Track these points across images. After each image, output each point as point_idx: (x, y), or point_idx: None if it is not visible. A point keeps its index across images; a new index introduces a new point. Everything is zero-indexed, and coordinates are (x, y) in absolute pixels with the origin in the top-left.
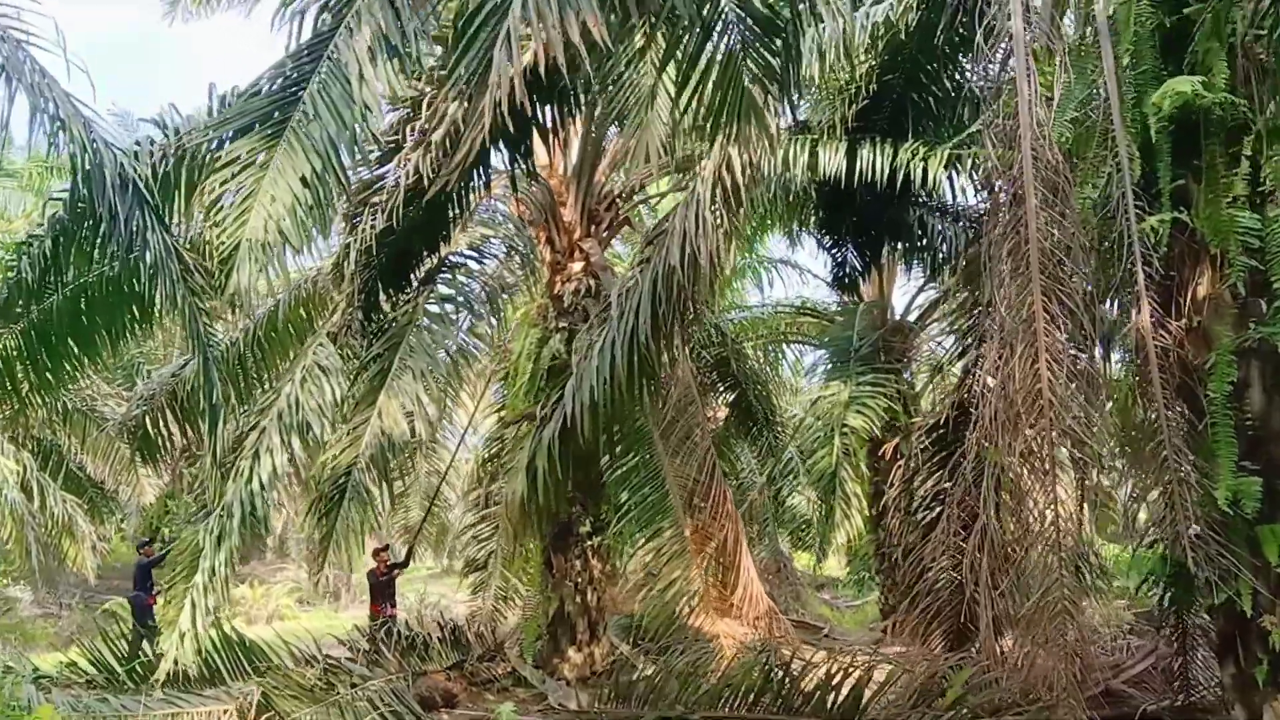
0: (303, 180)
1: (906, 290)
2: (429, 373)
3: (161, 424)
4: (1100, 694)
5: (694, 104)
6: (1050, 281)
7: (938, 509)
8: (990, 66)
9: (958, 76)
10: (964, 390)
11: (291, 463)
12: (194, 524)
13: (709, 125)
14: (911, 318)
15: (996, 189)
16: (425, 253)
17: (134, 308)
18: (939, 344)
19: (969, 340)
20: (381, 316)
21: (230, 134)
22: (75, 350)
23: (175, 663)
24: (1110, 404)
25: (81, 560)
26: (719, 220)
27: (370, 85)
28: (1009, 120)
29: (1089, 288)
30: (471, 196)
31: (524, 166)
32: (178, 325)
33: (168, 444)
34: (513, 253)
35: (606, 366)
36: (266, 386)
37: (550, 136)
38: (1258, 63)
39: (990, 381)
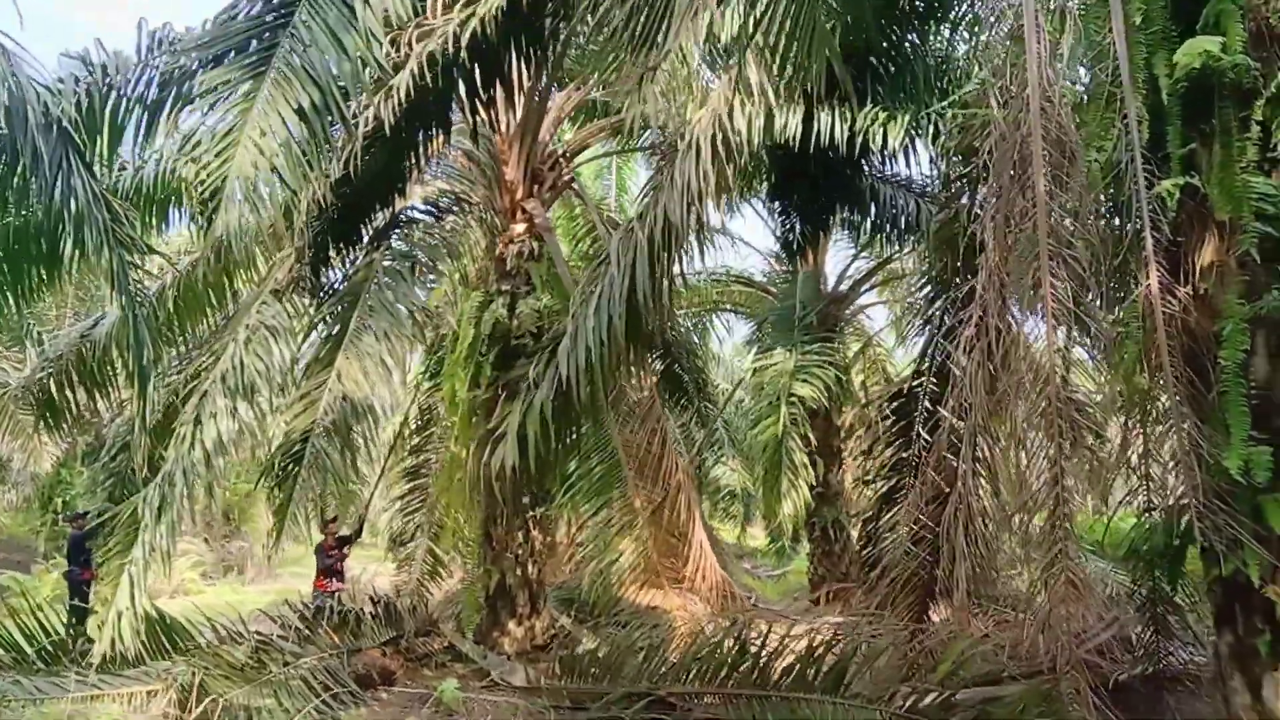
0: (299, 113)
1: (837, 261)
2: (392, 333)
3: (68, 389)
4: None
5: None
6: (1057, 245)
7: (895, 478)
8: (992, 23)
9: (917, 41)
10: (929, 359)
11: (240, 428)
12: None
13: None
14: (843, 287)
15: (990, 151)
16: (379, 206)
17: (42, 261)
18: (875, 312)
19: (936, 308)
20: (331, 273)
21: (201, 61)
22: None
23: (112, 644)
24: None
25: None
26: (717, 172)
27: (374, 9)
28: (1012, 79)
29: (1096, 253)
30: (430, 146)
31: (484, 117)
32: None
33: (73, 410)
34: (469, 208)
35: (604, 326)
36: (180, 349)
37: (510, 87)
38: (1268, 27)
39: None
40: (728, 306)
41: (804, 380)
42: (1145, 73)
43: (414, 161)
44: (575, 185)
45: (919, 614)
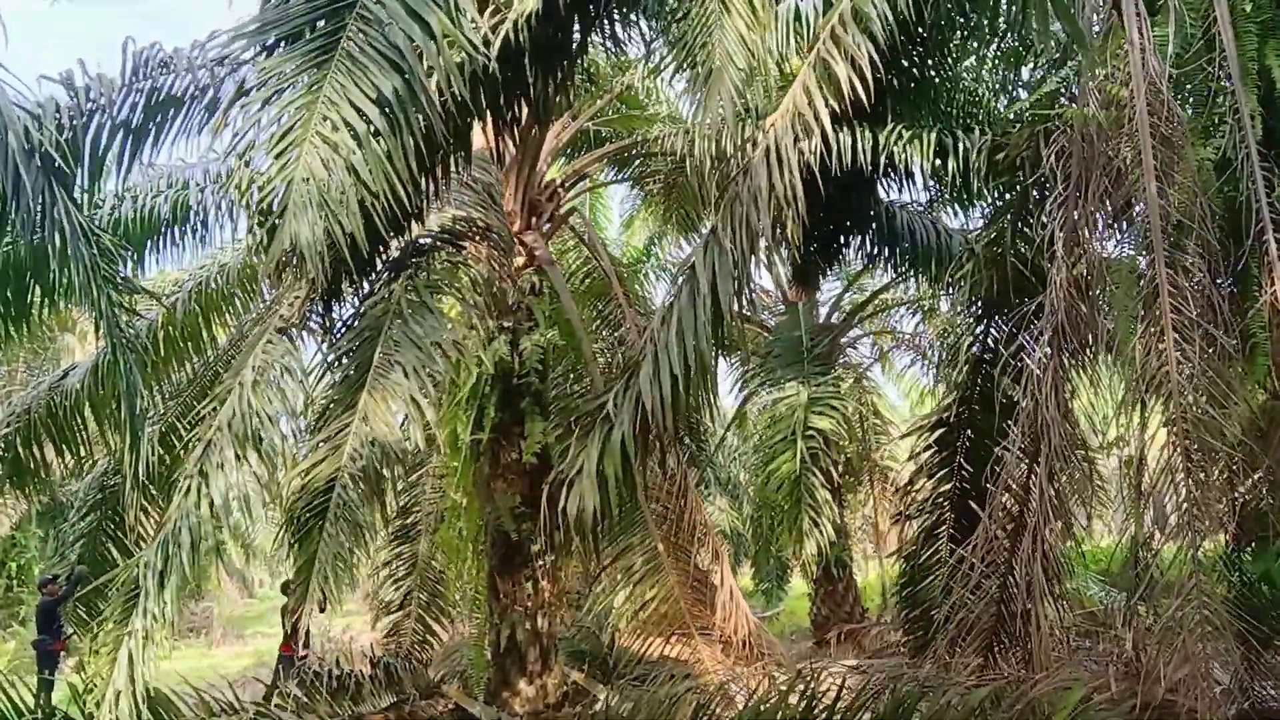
0: (377, 102)
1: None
2: (423, 369)
3: (34, 445)
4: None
5: None
6: (1172, 250)
7: (937, 513)
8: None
9: (940, 62)
10: (971, 388)
11: (259, 480)
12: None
13: None
14: (834, 319)
15: (1057, 157)
16: (395, 234)
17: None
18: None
19: (978, 333)
20: (342, 309)
21: (256, 48)
22: None
23: None
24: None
25: None
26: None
27: None
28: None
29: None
30: (451, 167)
31: (512, 138)
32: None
33: (41, 468)
34: (488, 236)
35: (689, 348)
36: (154, 394)
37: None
38: None
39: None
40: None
41: (820, 413)
42: (1257, 64)
43: (434, 184)
44: (572, 219)
45: (986, 661)
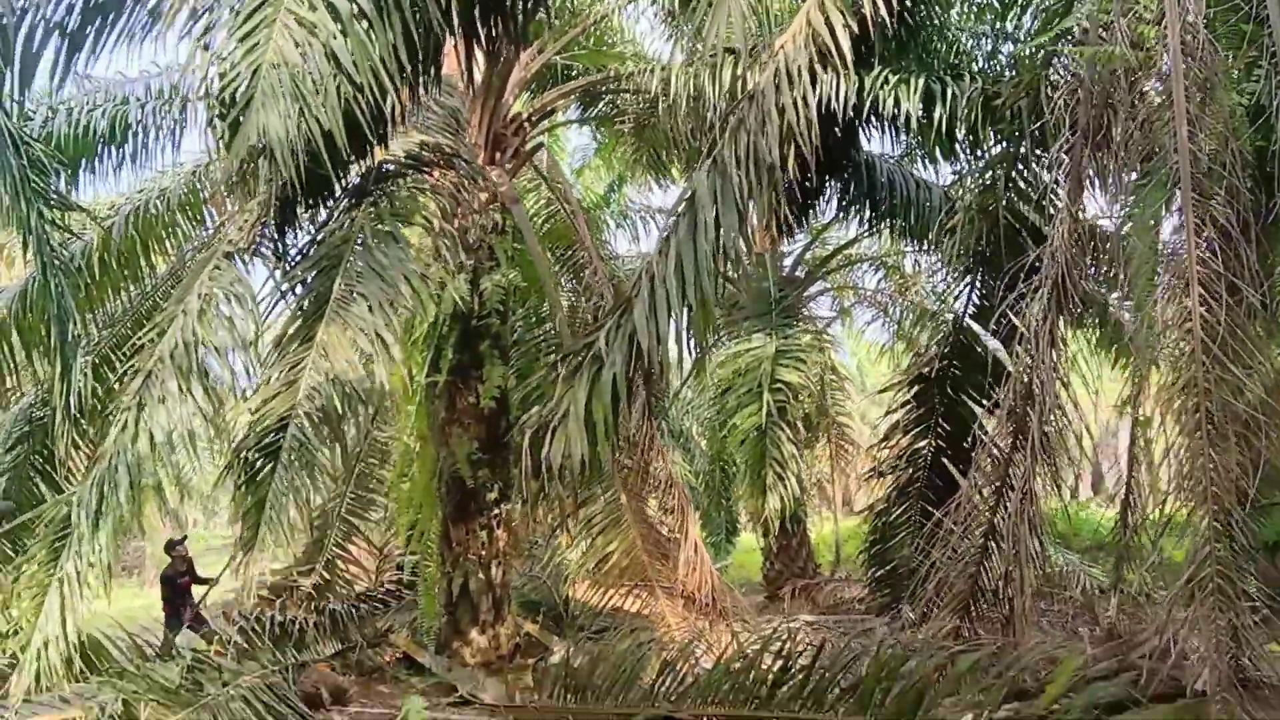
0: None
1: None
2: (388, 303)
3: None
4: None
5: None
6: (1202, 200)
7: (911, 470)
8: None
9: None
10: (949, 343)
11: (204, 416)
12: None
13: None
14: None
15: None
16: (353, 158)
17: None
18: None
19: (967, 284)
20: (296, 236)
21: None
22: None
23: (38, 675)
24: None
25: None
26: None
27: None
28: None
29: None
30: (419, 87)
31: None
32: None
33: None
34: (455, 164)
35: (691, 282)
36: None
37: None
38: None
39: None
40: None
41: (787, 365)
42: None
43: (401, 104)
44: (536, 156)
45: (958, 622)
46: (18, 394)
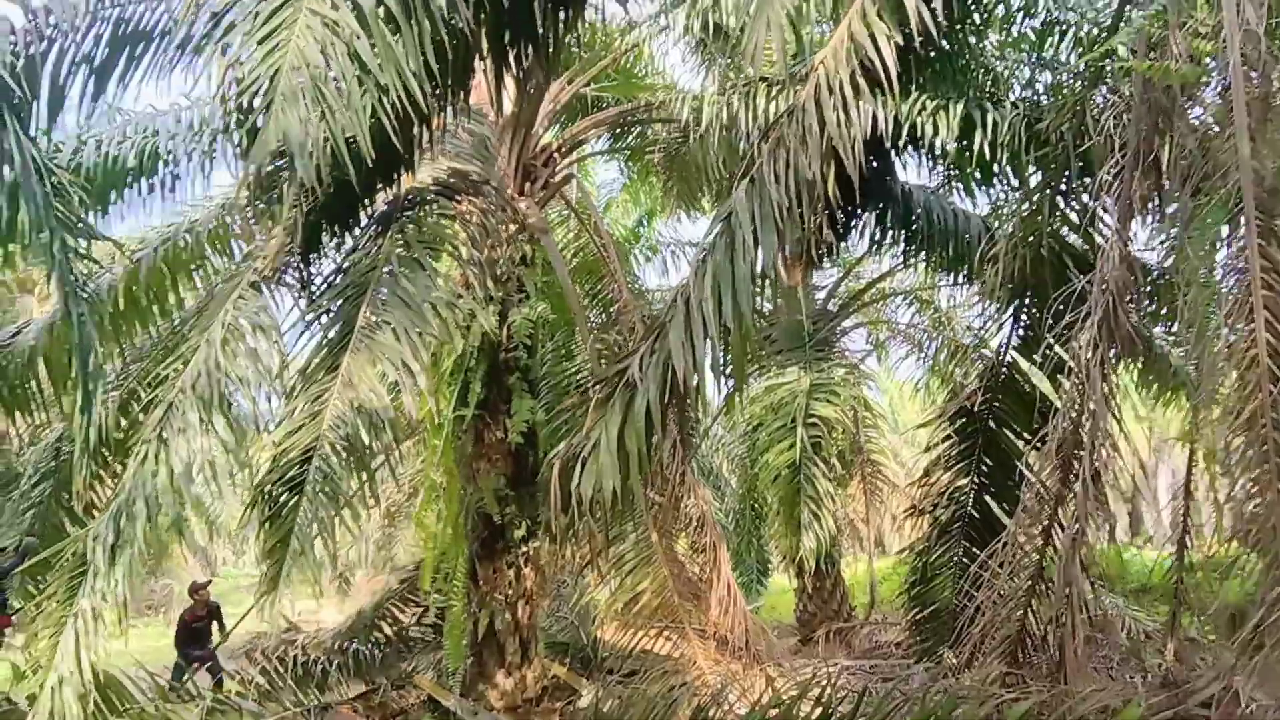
0: None
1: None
2: (414, 331)
3: None
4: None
5: None
6: (1266, 219)
7: (953, 508)
8: None
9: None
10: (991, 376)
11: (226, 449)
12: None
13: None
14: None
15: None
16: (380, 184)
17: None
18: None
19: (1010, 315)
20: (322, 263)
21: None
22: None
23: (51, 714)
24: None
25: None
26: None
27: None
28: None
29: None
30: (448, 113)
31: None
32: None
33: None
34: (484, 192)
35: (730, 299)
36: (113, 357)
37: (534, 52)
38: None
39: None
40: None
41: (822, 400)
42: None
43: (428, 130)
44: (565, 196)
45: (1006, 667)
46: (46, 428)
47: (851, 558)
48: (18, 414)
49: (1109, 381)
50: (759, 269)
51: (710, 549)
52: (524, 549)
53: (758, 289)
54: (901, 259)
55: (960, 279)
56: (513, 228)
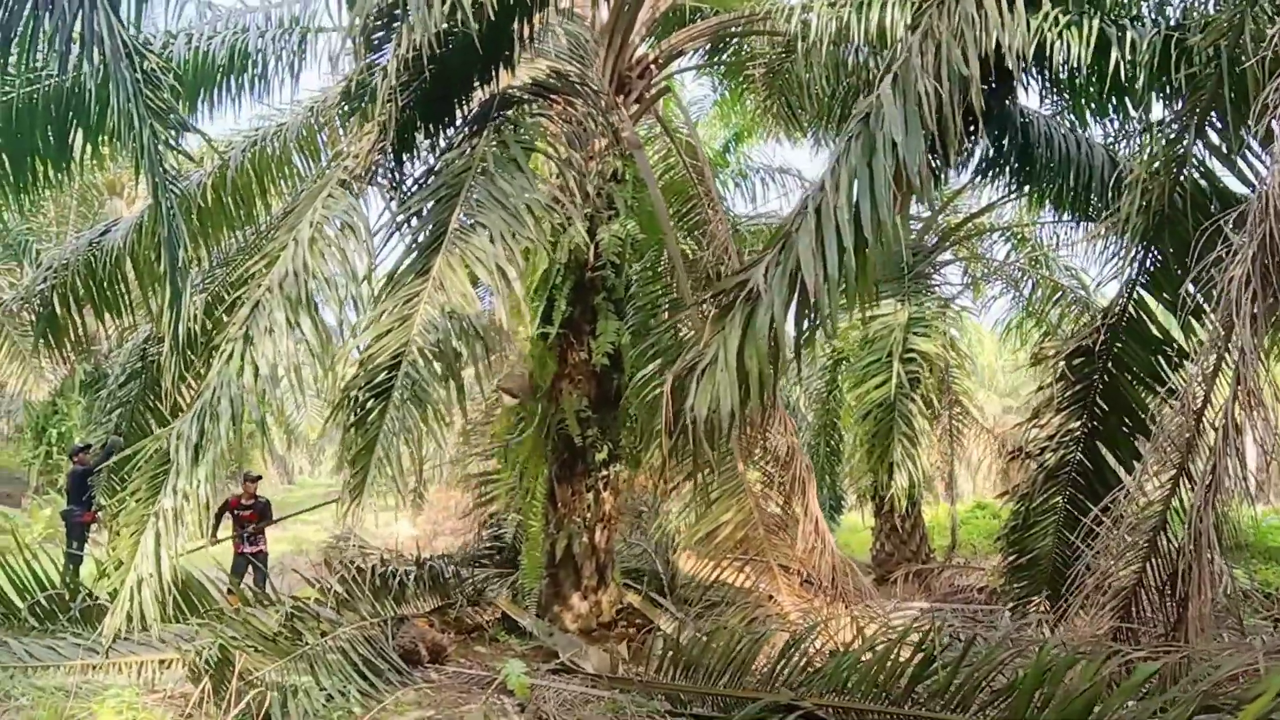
0: None
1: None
2: (509, 234)
3: (73, 303)
4: None
5: None
6: None
7: (1061, 452)
8: None
9: None
10: (1116, 313)
11: (311, 350)
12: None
13: None
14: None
15: None
16: (477, 82)
17: (50, 153)
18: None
19: (1140, 250)
20: (414, 164)
21: None
22: None
23: (130, 615)
24: None
25: None
26: None
27: None
28: None
29: None
30: (549, 9)
31: None
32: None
33: (78, 329)
34: (583, 94)
35: (868, 205)
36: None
37: None
38: None
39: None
40: None
41: (921, 334)
42: None
43: (527, 24)
44: (656, 115)
45: (1123, 620)
46: (133, 329)
47: (929, 500)
48: (107, 315)
49: (1259, 322)
50: (910, 170)
51: (798, 483)
52: (604, 473)
53: (901, 193)
54: (1013, 190)
55: (1076, 213)
56: (603, 142)
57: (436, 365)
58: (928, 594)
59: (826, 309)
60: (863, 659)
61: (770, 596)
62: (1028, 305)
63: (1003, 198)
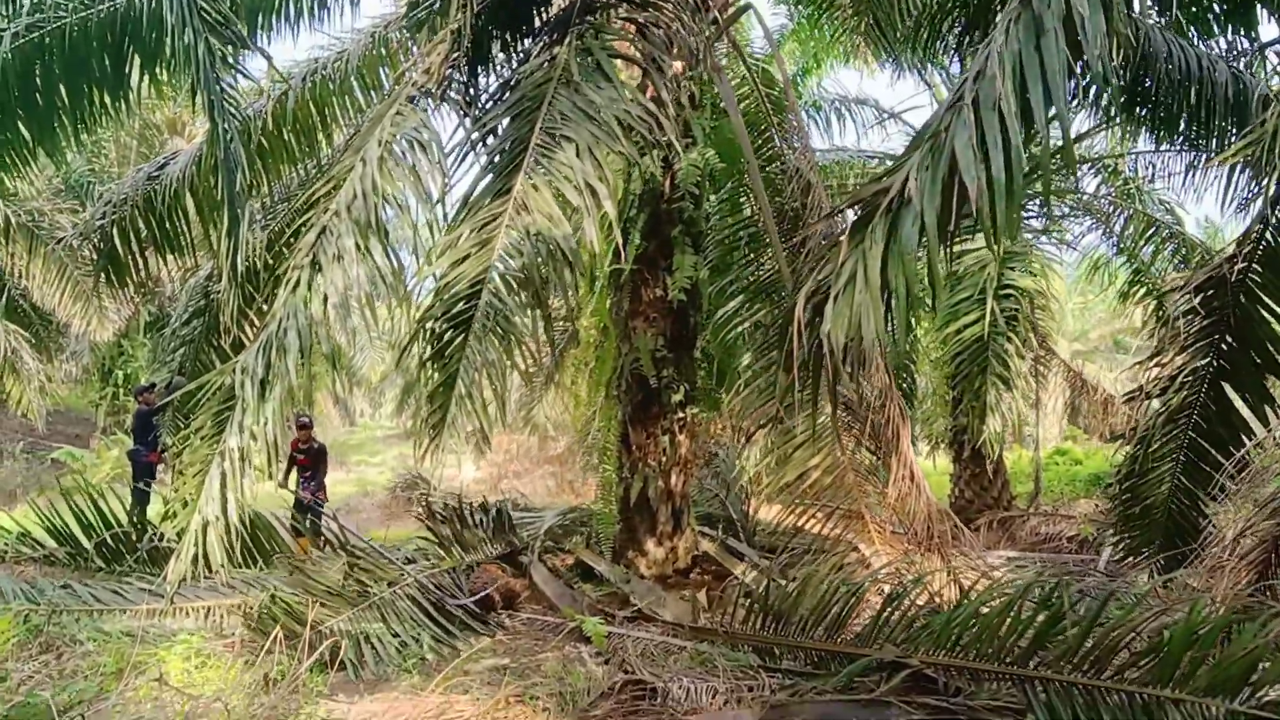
0: None
1: None
2: (598, 148)
3: (133, 239)
4: None
5: None
6: None
7: (1184, 393)
8: None
9: None
10: (1256, 242)
11: (383, 278)
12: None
13: None
14: None
15: None
16: None
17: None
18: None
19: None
20: (489, 78)
21: None
22: (23, 130)
23: (195, 560)
24: None
25: (27, 403)
26: None
27: None
28: None
29: None
30: None
31: None
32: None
33: (139, 266)
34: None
35: (1039, 90)
36: (260, 191)
37: None
38: None
39: None
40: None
41: (1018, 269)
42: None
43: None
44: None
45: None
46: (195, 271)
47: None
48: (168, 253)
49: None
50: (1090, 48)
51: (891, 425)
52: (680, 415)
53: (1076, 70)
54: (1117, 113)
55: (1198, 138)
56: (679, 65)
57: (521, 294)
58: (1012, 543)
59: (990, 217)
60: (979, 613)
61: (855, 547)
62: (1120, 242)
63: (1102, 123)
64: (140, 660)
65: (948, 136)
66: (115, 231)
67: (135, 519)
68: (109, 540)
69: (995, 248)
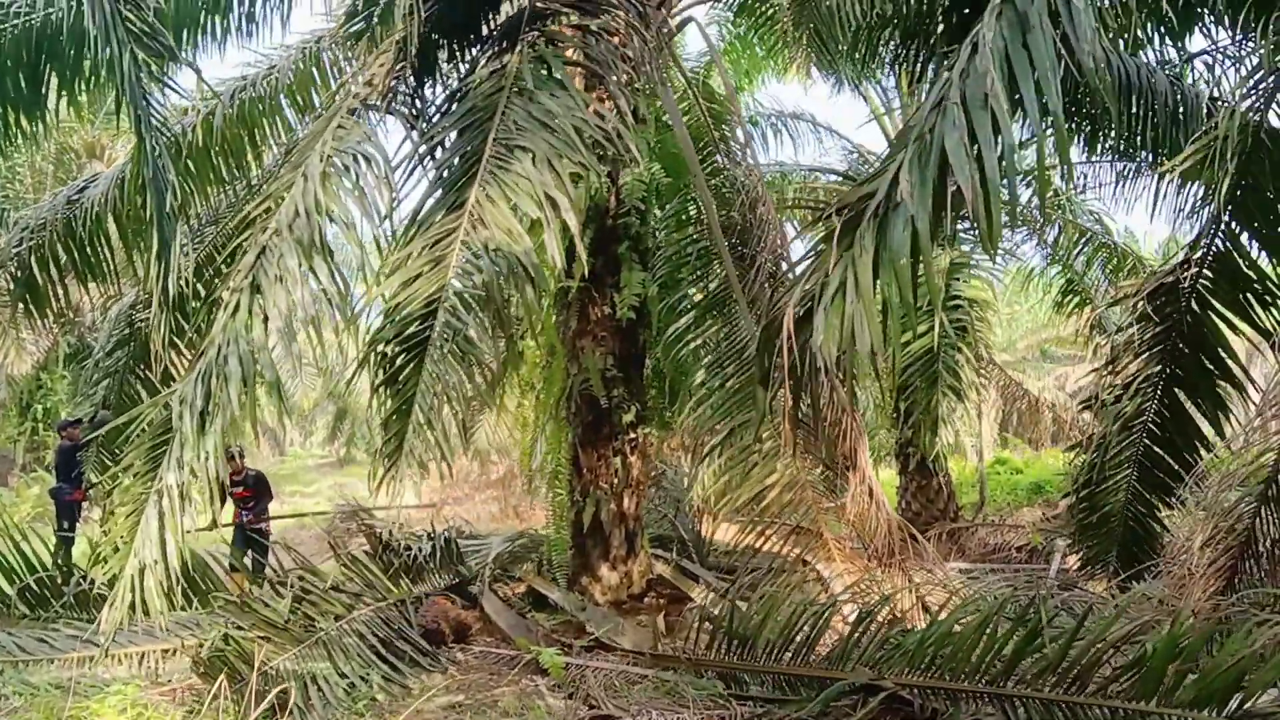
0: None
1: None
2: (556, 158)
3: (53, 267)
4: None
5: None
6: None
7: (1139, 400)
8: None
9: None
10: (1206, 248)
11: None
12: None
13: None
14: None
15: None
16: None
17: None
18: None
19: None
20: (435, 89)
21: None
22: None
23: (132, 606)
24: None
25: None
26: None
27: None
28: None
29: None
30: None
31: None
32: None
33: (59, 295)
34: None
35: (1028, 81)
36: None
37: None
38: None
39: None
40: (811, 206)
41: (966, 280)
42: None
43: None
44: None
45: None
46: (117, 299)
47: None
48: (89, 280)
49: None
50: (1079, 45)
51: (847, 439)
52: (632, 435)
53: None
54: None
55: (1134, 148)
56: (624, 76)
57: (482, 313)
58: (962, 555)
59: (986, 219)
60: (952, 631)
61: (804, 562)
62: (1052, 252)
63: (1033, 135)
64: (73, 715)
65: (930, 139)
66: (33, 259)
67: (60, 561)
68: (33, 585)
69: (990, 249)
